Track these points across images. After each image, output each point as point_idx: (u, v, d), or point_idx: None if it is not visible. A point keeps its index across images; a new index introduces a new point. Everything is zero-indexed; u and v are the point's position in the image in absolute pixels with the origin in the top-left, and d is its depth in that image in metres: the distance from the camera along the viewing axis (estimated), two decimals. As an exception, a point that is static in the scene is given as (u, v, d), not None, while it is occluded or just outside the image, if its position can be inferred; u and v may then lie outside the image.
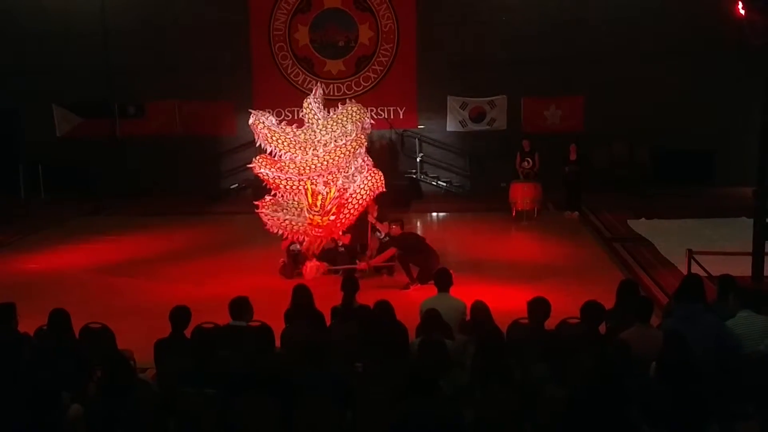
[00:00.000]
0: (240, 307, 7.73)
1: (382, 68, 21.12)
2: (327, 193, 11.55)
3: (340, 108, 12.03)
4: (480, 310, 7.66)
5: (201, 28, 20.64)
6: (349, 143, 11.65)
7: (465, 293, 8.74)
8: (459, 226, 17.34)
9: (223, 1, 21.02)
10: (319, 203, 11.51)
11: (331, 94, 20.53)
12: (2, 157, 20.73)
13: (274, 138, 11.71)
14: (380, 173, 12.09)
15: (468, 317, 7.89)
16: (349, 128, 11.74)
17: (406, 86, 21.01)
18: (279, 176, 11.71)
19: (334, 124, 11.80)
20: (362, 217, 12.40)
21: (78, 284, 12.34)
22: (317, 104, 12.04)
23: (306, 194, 11.56)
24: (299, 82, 20.84)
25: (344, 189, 11.77)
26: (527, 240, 15.51)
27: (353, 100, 12.56)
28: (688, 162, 19.86)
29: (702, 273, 9.82)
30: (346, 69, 21.22)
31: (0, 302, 7.72)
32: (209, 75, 20.56)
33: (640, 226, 15.75)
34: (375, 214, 12.55)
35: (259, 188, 13.34)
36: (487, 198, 18.96)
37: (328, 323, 8.08)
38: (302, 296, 8.15)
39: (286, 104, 20.07)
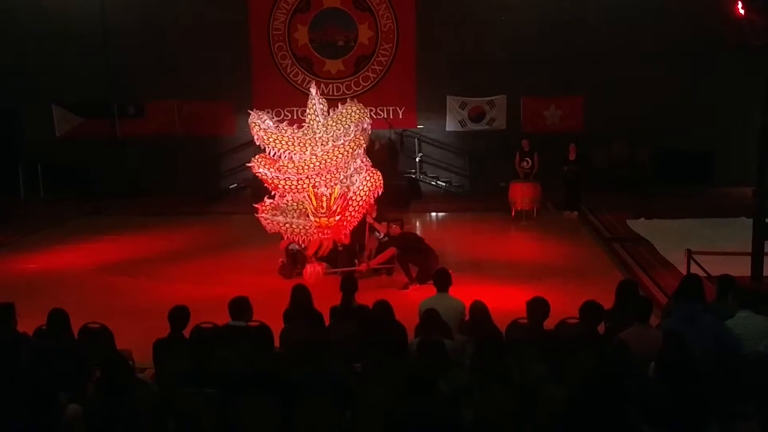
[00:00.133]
0: (239, 306, 7.72)
1: (381, 68, 21.11)
2: (330, 193, 11.55)
3: (340, 107, 12.04)
4: (479, 310, 7.65)
5: (201, 28, 20.64)
6: (347, 143, 11.65)
7: (464, 293, 8.74)
8: (458, 226, 17.34)
9: (223, 1, 21.01)
10: (324, 205, 11.51)
11: (331, 93, 20.53)
12: (2, 157, 20.75)
13: (271, 139, 11.72)
14: (379, 173, 12.10)
15: (467, 317, 7.89)
16: (351, 128, 11.74)
17: (406, 86, 21.01)
18: (278, 176, 11.71)
19: (335, 123, 11.81)
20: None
21: (77, 284, 12.34)
22: (321, 104, 12.04)
23: (309, 199, 11.56)
24: (299, 82, 20.84)
25: (347, 188, 11.78)
26: (526, 240, 15.51)
27: (354, 100, 12.56)
28: (688, 162, 19.86)
29: (701, 273, 9.82)
30: (346, 69, 21.22)
31: (-1, 302, 7.72)
32: (209, 75, 20.56)
33: (640, 226, 15.75)
34: (373, 215, 12.55)
35: (259, 188, 13.33)
36: (486, 198, 18.96)
37: (327, 323, 8.08)
38: (301, 296, 8.15)
39: (286, 104, 20.10)
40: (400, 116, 21.03)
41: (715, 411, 5.78)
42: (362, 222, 12.45)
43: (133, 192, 20.53)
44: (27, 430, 5.57)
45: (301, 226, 11.85)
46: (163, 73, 20.60)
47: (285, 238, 12.20)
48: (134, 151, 20.95)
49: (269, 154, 11.85)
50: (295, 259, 12.52)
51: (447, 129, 21.10)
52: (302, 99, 12.27)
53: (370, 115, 12.63)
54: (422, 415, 5.44)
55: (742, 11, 14.85)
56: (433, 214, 18.66)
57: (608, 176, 19.79)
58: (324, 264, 12.24)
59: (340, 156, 11.64)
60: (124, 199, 20.10)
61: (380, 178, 12.02)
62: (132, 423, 5.78)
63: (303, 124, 12.31)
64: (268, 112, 12.66)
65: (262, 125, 11.76)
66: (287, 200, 11.92)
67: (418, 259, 11.71)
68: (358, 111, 11.96)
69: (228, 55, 20.91)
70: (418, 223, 17.14)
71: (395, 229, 12.18)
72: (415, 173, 20.83)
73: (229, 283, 11.62)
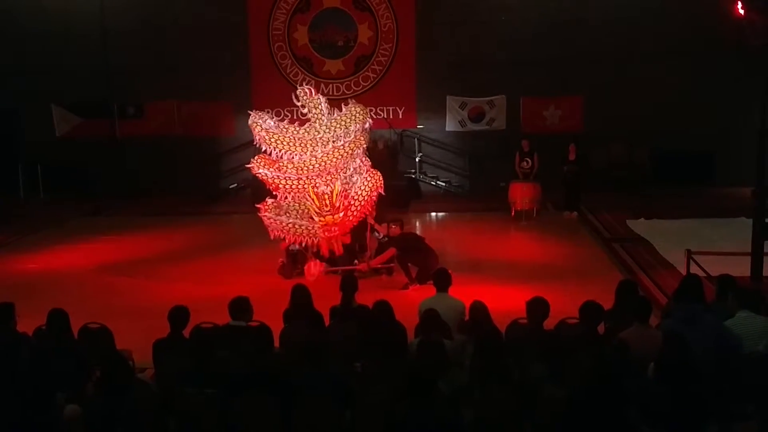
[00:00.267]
0: (239, 306, 7.73)
1: (381, 68, 21.12)
2: (331, 190, 11.55)
3: (344, 109, 12.02)
4: (479, 310, 7.65)
5: (200, 29, 20.64)
6: (347, 144, 11.64)
7: (464, 293, 8.74)
8: (458, 226, 17.34)
9: (223, 1, 21.02)
10: (327, 202, 11.52)
11: (331, 93, 20.53)
12: (2, 157, 20.73)
13: (272, 139, 11.71)
14: (379, 174, 12.09)
15: (467, 317, 7.89)
16: (351, 129, 11.73)
17: (406, 86, 21.01)
18: (278, 176, 11.69)
19: (337, 124, 11.79)
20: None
21: (77, 284, 12.34)
22: (326, 104, 12.03)
23: (312, 200, 11.56)
24: (298, 82, 20.74)
25: (348, 187, 11.78)
26: (526, 240, 15.52)
27: (354, 101, 12.55)
28: (688, 162, 19.84)
29: (701, 273, 9.82)
30: (346, 69, 21.22)
31: (-1, 302, 7.72)
32: (208, 75, 20.55)
33: (639, 226, 15.75)
34: (373, 215, 12.54)
35: (259, 188, 13.33)
36: (486, 198, 18.96)
37: (327, 323, 8.08)
38: (301, 296, 8.15)
39: (286, 104, 19.99)
40: (400, 116, 21.03)
41: (714, 411, 5.79)
42: (362, 222, 12.44)
43: (133, 192, 20.52)
44: (26, 430, 5.57)
45: (304, 227, 11.83)
46: (163, 73, 20.59)
47: (288, 240, 12.18)
48: (134, 152, 20.93)
49: (269, 154, 11.84)
50: (295, 259, 12.52)
51: (447, 129, 21.10)
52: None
53: (370, 115, 12.62)
54: (422, 415, 5.44)
55: (741, 11, 14.85)
56: (433, 214, 18.66)
57: (607, 177, 19.78)
58: (324, 263, 12.24)
59: (340, 157, 11.63)
60: (124, 199, 20.09)
61: (380, 178, 12.01)
62: (132, 423, 5.78)
63: (304, 123, 12.25)
64: (268, 112, 12.63)
65: (263, 125, 11.75)
66: (289, 200, 11.91)
67: (417, 259, 11.71)
68: (361, 112, 11.95)
69: (228, 56, 20.90)
70: (418, 223, 17.14)
71: (395, 229, 12.19)
72: (414, 173, 20.83)
73: (228, 283, 11.63)
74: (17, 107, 20.86)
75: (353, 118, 11.85)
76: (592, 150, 19.31)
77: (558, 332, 7.39)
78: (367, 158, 12.30)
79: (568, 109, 20.47)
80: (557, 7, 20.12)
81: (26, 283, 12.27)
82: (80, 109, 21.12)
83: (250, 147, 15.66)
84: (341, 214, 11.63)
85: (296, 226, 11.85)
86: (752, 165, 11.03)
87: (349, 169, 11.92)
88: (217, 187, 21.03)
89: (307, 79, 20.63)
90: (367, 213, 12.26)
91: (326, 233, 11.83)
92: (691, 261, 10.61)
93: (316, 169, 11.56)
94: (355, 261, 12.43)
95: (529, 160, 17.31)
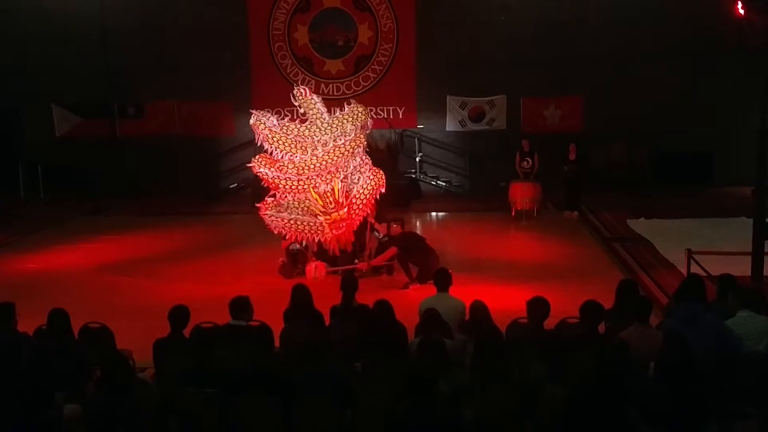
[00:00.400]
0: (240, 306, 7.73)
1: (381, 68, 21.12)
2: (332, 187, 11.55)
3: (346, 108, 12.02)
4: (479, 309, 7.66)
5: (200, 29, 20.65)
6: (347, 143, 11.64)
7: (464, 293, 8.74)
8: (458, 226, 17.34)
9: (223, 1, 21.03)
10: (330, 200, 11.52)
11: (331, 93, 20.58)
12: (2, 157, 20.75)
13: (275, 139, 11.71)
14: (381, 172, 12.10)
15: (467, 317, 7.89)
16: (348, 128, 11.73)
17: (406, 86, 21.02)
18: (278, 176, 11.69)
19: (339, 123, 11.79)
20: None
21: (77, 284, 12.34)
22: (321, 103, 12.03)
23: (315, 200, 11.56)
24: (298, 82, 20.75)
25: (350, 184, 11.79)
26: (526, 240, 15.52)
27: (355, 101, 12.55)
28: (688, 162, 19.85)
29: (701, 273, 9.82)
30: (346, 69, 21.22)
31: (-1, 302, 7.72)
32: (208, 75, 20.56)
33: (640, 225, 15.76)
34: (373, 214, 12.54)
35: (259, 188, 13.32)
36: (486, 198, 18.96)
37: (327, 323, 8.08)
38: (301, 296, 8.15)
39: (286, 104, 19.80)
40: (400, 116, 21.04)
41: (714, 411, 5.79)
42: (363, 222, 12.45)
43: (133, 192, 20.52)
44: (26, 430, 5.57)
45: (306, 223, 11.82)
46: (163, 73, 20.60)
47: (289, 237, 12.17)
48: (134, 152, 20.94)
49: (270, 154, 11.84)
50: (296, 259, 12.53)
51: (447, 129, 21.11)
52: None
53: (371, 115, 12.61)
54: (422, 414, 5.44)
55: (741, 11, 14.84)
56: (433, 213, 18.67)
57: (608, 176, 19.78)
58: (324, 263, 12.25)
59: (341, 155, 11.63)
60: (124, 199, 20.09)
61: (383, 177, 12.02)
62: (132, 423, 5.78)
63: (305, 121, 12.24)
64: (269, 112, 12.62)
65: (267, 123, 11.76)
66: (289, 200, 11.90)
67: (418, 258, 11.71)
68: (362, 112, 11.95)
69: (228, 56, 20.91)
70: (418, 223, 17.14)
71: (396, 228, 12.19)
72: (415, 173, 20.85)
73: (229, 282, 11.63)
74: (17, 107, 20.89)
75: (352, 117, 11.85)
76: (593, 150, 19.31)
77: (558, 332, 7.39)
78: (367, 157, 12.29)
79: (568, 109, 20.47)
80: (557, 7, 20.13)
81: (27, 283, 12.27)
82: (80, 109, 21.12)
83: (250, 147, 15.68)
84: (346, 210, 11.64)
85: (297, 222, 11.83)
86: (752, 165, 11.02)
87: (350, 167, 11.91)
88: (217, 186, 21.04)
89: (307, 79, 20.65)
90: (368, 212, 12.27)
91: (335, 230, 11.83)
92: (691, 260, 10.61)
93: (317, 168, 11.56)
94: (355, 260, 12.43)
95: (530, 160, 17.32)
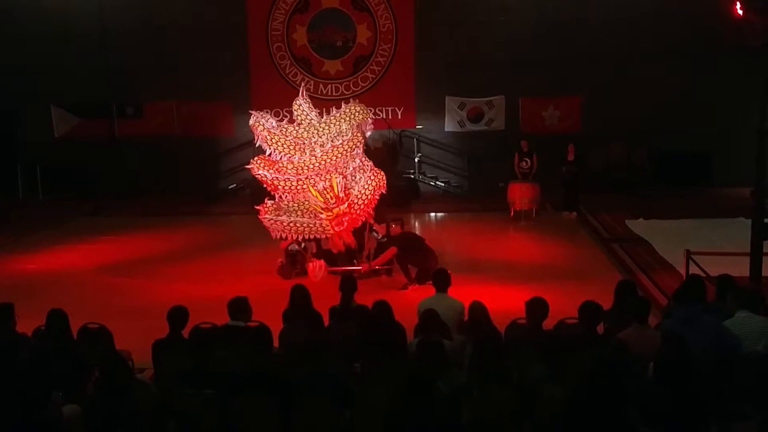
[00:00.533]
0: (239, 307, 7.73)
1: (380, 68, 21.12)
2: (331, 184, 11.55)
3: (343, 107, 12.02)
4: (478, 310, 7.66)
5: (200, 29, 20.66)
6: (345, 143, 11.63)
7: (463, 293, 8.74)
8: (457, 227, 17.34)
9: (222, 1, 21.03)
10: (330, 196, 11.52)
11: (330, 94, 20.59)
12: (1, 157, 20.71)
13: (273, 140, 11.70)
14: (382, 173, 12.09)
15: (466, 317, 7.89)
16: (344, 128, 11.72)
17: (404, 86, 21.02)
18: (278, 177, 11.69)
19: (337, 123, 11.78)
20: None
21: (76, 284, 12.33)
22: (308, 104, 12.03)
23: (315, 198, 11.56)
24: (297, 83, 20.76)
25: (351, 184, 11.79)
26: (525, 240, 15.51)
27: (357, 100, 12.56)
28: (687, 163, 19.86)
29: (700, 273, 9.82)
30: (344, 69, 21.22)
31: (-2, 303, 7.72)
32: (208, 75, 20.57)
33: (639, 226, 15.76)
34: (373, 215, 12.54)
35: (258, 189, 13.32)
36: (485, 198, 18.96)
37: (326, 323, 8.08)
38: (300, 296, 8.15)
39: (285, 104, 19.89)
40: (399, 117, 21.04)
41: (713, 412, 5.79)
42: (363, 221, 12.44)
43: (132, 192, 20.53)
44: (25, 431, 5.57)
45: (305, 224, 11.82)
46: (163, 73, 20.61)
47: (289, 239, 12.17)
48: (133, 152, 20.94)
49: (269, 155, 11.83)
50: (295, 260, 12.53)
51: (446, 129, 21.12)
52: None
53: (371, 114, 12.58)
54: (421, 415, 5.44)
55: (740, 12, 14.85)
56: (432, 214, 18.67)
57: (607, 177, 19.77)
58: (325, 262, 12.25)
59: (339, 155, 11.62)
60: (123, 199, 20.09)
61: (384, 177, 12.02)
62: (131, 423, 5.78)
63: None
64: (267, 113, 12.63)
65: (266, 124, 11.75)
66: (287, 201, 11.90)
67: (417, 259, 11.71)
68: (361, 111, 11.94)
69: (227, 56, 20.91)
70: (416, 224, 17.15)
71: (396, 228, 12.20)
72: (413, 173, 20.85)
73: (228, 283, 11.63)
74: (17, 107, 20.86)
75: (348, 117, 11.83)
76: (592, 150, 19.29)
77: (557, 332, 7.40)
78: (366, 158, 12.29)
79: (567, 110, 20.49)
80: (556, 7, 20.13)
81: (25, 284, 12.27)
82: (79, 110, 21.15)
83: (249, 147, 15.69)
84: (346, 205, 11.64)
85: (297, 224, 11.83)
86: (751, 165, 11.01)
87: (349, 168, 11.91)
88: (216, 187, 21.04)
89: (306, 79, 20.64)
90: (369, 212, 12.27)
91: (337, 226, 11.83)
92: (690, 261, 10.61)
93: (316, 169, 11.56)
94: (354, 261, 12.43)
95: (528, 161, 17.34)
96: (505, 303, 9.55)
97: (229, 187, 21.13)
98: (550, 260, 13.38)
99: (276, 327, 7.77)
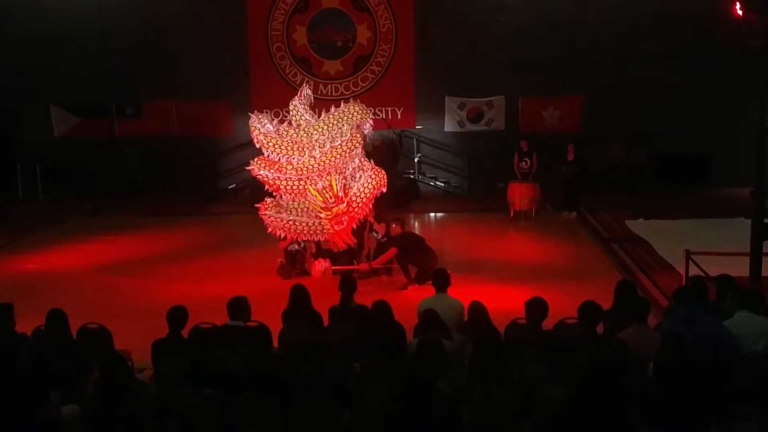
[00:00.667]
0: (238, 307, 7.73)
1: (380, 68, 21.12)
2: (330, 183, 11.56)
3: (342, 106, 12.01)
4: (477, 310, 7.65)
5: (199, 29, 20.65)
6: (344, 143, 11.62)
7: (463, 293, 8.74)
8: (457, 227, 17.34)
9: (222, 1, 21.03)
10: (329, 195, 11.51)
11: (329, 94, 20.59)
12: (0, 157, 20.70)
13: (270, 144, 11.70)
14: (383, 172, 12.08)
15: (466, 317, 7.89)
16: (345, 128, 11.72)
17: (404, 86, 21.02)
18: (279, 177, 11.68)
19: (336, 123, 11.77)
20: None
21: (76, 284, 12.33)
22: (303, 105, 12.02)
23: (314, 197, 11.55)
24: (297, 83, 20.69)
25: (351, 183, 11.80)
26: (525, 240, 15.51)
27: (357, 100, 12.55)
28: (686, 163, 19.85)
29: (700, 273, 9.82)
30: (344, 69, 21.22)
31: (-3, 302, 7.72)
32: (207, 75, 20.56)
33: (638, 226, 15.76)
34: (373, 214, 12.53)
35: (257, 188, 13.33)
36: (485, 198, 18.96)
37: (325, 323, 8.07)
38: (300, 296, 8.15)
39: (284, 105, 19.68)
40: (399, 117, 21.03)
41: (713, 412, 5.78)
42: (362, 221, 12.44)
43: (132, 192, 20.52)
44: (25, 431, 5.57)
45: (305, 224, 11.82)
46: (162, 73, 20.61)
47: (288, 238, 12.17)
48: (133, 152, 20.93)
49: (268, 157, 11.83)
50: (294, 260, 12.52)
51: (445, 129, 21.12)
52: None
53: (370, 114, 12.57)
54: (421, 415, 5.44)
55: (740, 12, 14.84)
56: (432, 214, 18.67)
57: (606, 178, 19.76)
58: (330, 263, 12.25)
59: (338, 156, 11.62)
60: (123, 199, 20.08)
61: (384, 176, 12.00)
62: (131, 423, 5.78)
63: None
64: (267, 113, 12.63)
65: (262, 129, 11.74)
66: (288, 200, 11.89)
67: (417, 258, 11.70)
68: (360, 111, 11.94)
69: (227, 56, 20.90)
70: (416, 224, 17.13)
71: (396, 228, 12.19)
72: (413, 173, 20.85)
73: (227, 283, 11.59)
74: (17, 107, 20.85)
75: (347, 117, 11.83)
76: (592, 150, 19.27)
77: (557, 332, 7.39)
78: (366, 157, 12.28)
79: (567, 110, 20.49)
80: (556, 7, 20.12)
81: (25, 284, 12.26)
82: (79, 109, 21.15)
83: (248, 147, 15.69)
84: (345, 204, 11.63)
85: (296, 223, 11.83)
86: (751, 165, 11.01)
87: (348, 168, 11.90)
88: (215, 187, 21.04)
89: (306, 79, 20.58)
90: (368, 211, 12.26)
91: (337, 226, 11.82)
92: (689, 261, 10.61)
93: (315, 170, 11.56)
94: (354, 261, 12.42)
95: (528, 161, 17.33)
96: (505, 303, 9.54)
97: (229, 187, 21.12)
98: (549, 260, 13.38)
99: (275, 327, 7.77)
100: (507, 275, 12.11)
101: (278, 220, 11.84)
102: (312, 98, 12.41)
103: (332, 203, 11.60)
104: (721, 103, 19.26)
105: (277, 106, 19.42)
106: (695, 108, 19.35)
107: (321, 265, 12.10)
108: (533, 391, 5.90)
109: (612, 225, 16.18)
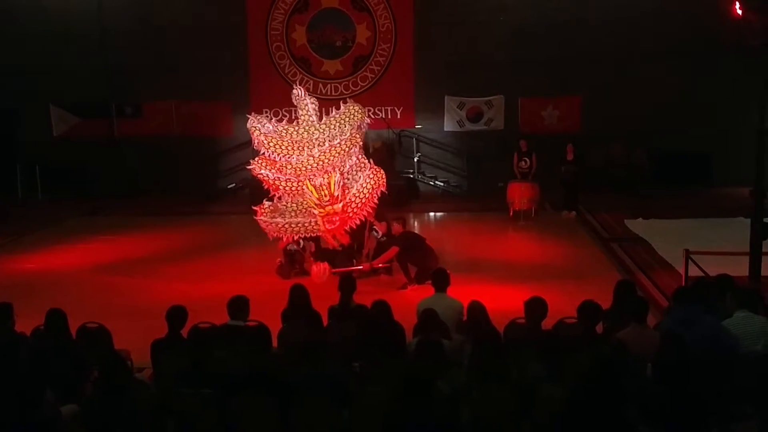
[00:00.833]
0: (237, 306, 7.74)
1: (379, 68, 21.11)
2: (328, 181, 11.55)
3: (342, 107, 12.00)
4: (477, 310, 7.66)
5: (199, 29, 20.63)
6: (343, 143, 11.60)
7: (462, 293, 8.75)
8: (456, 226, 17.35)
9: (222, 1, 21.01)
10: (326, 193, 11.51)
11: (329, 94, 20.57)
12: (0, 157, 20.69)
13: (270, 144, 11.68)
14: (382, 171, 12.07)
15: (465, 317, 7.89)
16: (346, 128, 11.72)
17: (404, 86, 21.01)
18: (279, 177, 11.67)
19: (336, 123, 11.77)
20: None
21: (75, 284, 12.33)
22: (314, 105, 12.01)
23: (311, 192, 11.54)
24: (297, 83, 20.64)
25: (350, 182, 11.79)
26: (524, 240, 15.51)
27: (352, 100, 12.54)
28: (686, 163, 19.84)
29: (699, 273, 9.83)
30: (344, 69, 21.21)
31: (-3, 302, 7.71)
32: (207, 75, 20.54)
33: (638, 226, 15.76)
34: (373, 213, 12.52)
35: (257, 188, 13.31)
36: (484, 198, 18.97)
37: (325, 323, 8.07)
38: (299, 296, 8.16)
39: (284, 104, 19.94)
40: (398, 116, 21.02)
41: (713, 411, 5.78)
42: (362, 221, 12.43)
43: (131, 192, 20.51)
44: (24, 431, 5.57)
45: (300, 224, 11.82)
46: (162, 73, 20.59)
47: (285, 239, 12.17)
48: (132, 152, 20.92)
49: (267, 156, 11.82)
50: (293, 260, 12.52)
51: (445, 129, 21.10)
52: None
53: (368, 115, 12.58)
54: (420, 415, 5.44)
55: (739, 11, 14.83)
56: (431, 214, 18.67)
57: (606, 177, 19.75)
58: (328, 264, 12.24)
59: (337, 155, 11.60)
60: (122, 199, 20.08)
61: (383, 176, 11.99)
62: (130, 423, 5.78)
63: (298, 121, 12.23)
64: (266, 113, 12.62)
65: (262, 129, 11.73)
66: (285, 202, 11.88)
67: (417, 258, 11.70)
68: (359, 111, 11.94)
69: (227, 56, 20.89)
70: (416, 223, 17.12)
71: (397, 227, 12.18)
72: (413, 173, 20.83)
73: (227, 282, 11.57)
74: (17, 107, 20.84)
75: (349, 117, 11.82)
76: (592, 150, 19.26)
77: (556, 332, 7.39)
78: (363, 156, 12.26)
79: (566, 110, 20.49)
80: (556, 7, 20.11)
81: (24, 283, 12.26)
82: (78, 109, 21.14)
83: (248, 147, 15.62)
84: (341, 204, 11.62)
85: (291, 225, 11.83)
86: (750, 165, 11.03)
87: (346, 166, 11.89)
88: (215, 187, 21.03)
89: (306, 79, 20.63)
90: (368, 211, 12.25)
91: (329, 225, 11.81)
92: (689, 261, 10.61)
93: (314, 169, 11.55)
94: (353, 260, 12.42)
95: (528, 160, 17.34)
96: (504, 302, 9.54)
97: (229, 186, 21.11)
98: (549, 260, 13.38)
99: (275, 327, 7.77)
100: (506, 275, 12.11)
101: (273, 225, 11.84)
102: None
103: (326, 201, 11.55)
104: (721, 103, 19.25)
105: (277, 106, 19.47)
106: (695, 108, 19.34)
107: (320, 269, 12.08)
108: (532, 391, 5.91)
109: (611, 225, 16.18)
